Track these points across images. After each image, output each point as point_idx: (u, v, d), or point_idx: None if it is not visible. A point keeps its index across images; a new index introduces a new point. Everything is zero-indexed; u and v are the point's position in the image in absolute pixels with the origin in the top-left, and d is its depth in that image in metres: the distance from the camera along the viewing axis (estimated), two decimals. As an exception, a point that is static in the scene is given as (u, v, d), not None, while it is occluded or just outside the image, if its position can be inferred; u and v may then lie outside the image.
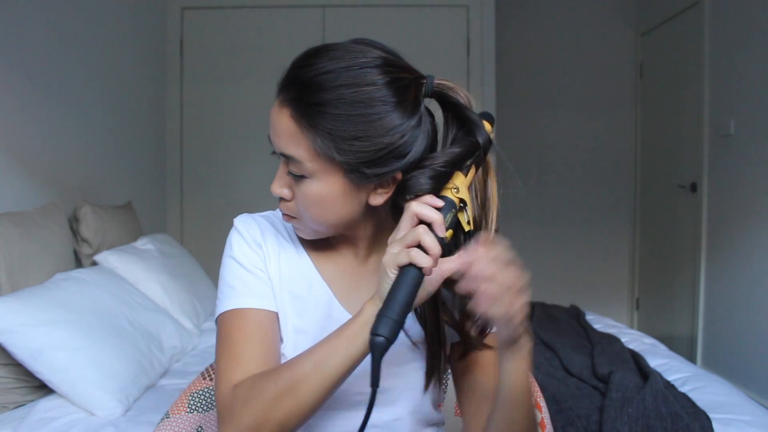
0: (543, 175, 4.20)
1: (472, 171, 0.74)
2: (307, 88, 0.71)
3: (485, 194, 0.77)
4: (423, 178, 0.71)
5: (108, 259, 2.19)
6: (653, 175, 4.09)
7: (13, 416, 1.56)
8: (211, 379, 1.09)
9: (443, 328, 0.81)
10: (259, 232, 0.85)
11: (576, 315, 2.65)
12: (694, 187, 3.46)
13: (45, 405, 1.56)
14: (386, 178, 0.74)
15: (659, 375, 1.79)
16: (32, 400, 1.65)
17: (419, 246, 0.67)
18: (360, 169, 0.72)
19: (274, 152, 0.78)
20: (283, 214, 0.82)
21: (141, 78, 3.20)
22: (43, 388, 1.65)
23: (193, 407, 1.08)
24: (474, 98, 0.76)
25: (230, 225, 0.86)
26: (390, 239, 0.70)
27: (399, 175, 0.74)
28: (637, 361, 1.94)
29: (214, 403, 1.06)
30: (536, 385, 1.08)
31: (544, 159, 4.25)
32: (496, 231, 0.81)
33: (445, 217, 0.70)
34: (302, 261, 0.85)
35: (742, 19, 3.05)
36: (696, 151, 3.42)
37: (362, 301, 0.73)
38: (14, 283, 1.72)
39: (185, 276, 2.52)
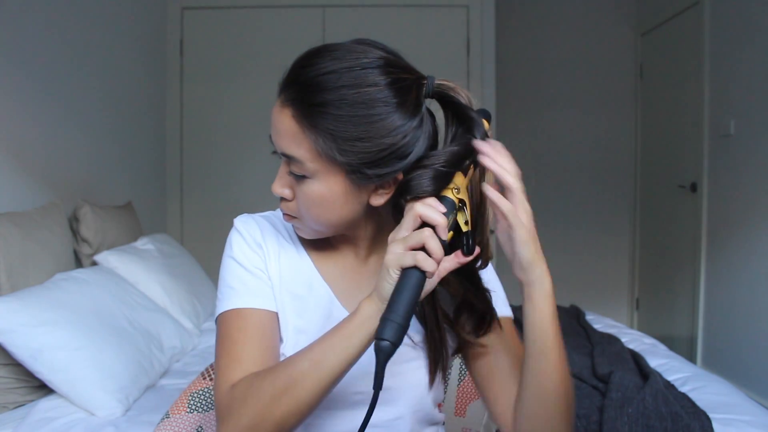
0: (543, 175, 4.20)
1: (471, 170, 0.74)
2: (308, 88, 0.71)
3: (482, 193, 0.77)
4: (425, 180, 0.71)
5: (108, 259, 2.19)
6: (653, 175, 4.09)
7: (13, 416, 1.56)
8: (211, 379, 1.09)
9: (443, 325, 0.81)
10: (259, 232, 0.85)
11: (576, 315, 2.64)
12: (694, 187, 3.46)
13: (45, 405, 1.56)
14: (387, 178, 0.74)
15: (659, 375, 1.79)
16: (32, 400, 1.65)
17: (423, 248, 0.67)
18: (361, 169, 0.72)
19: (275, 152, 0.78)
20: (283, 214, 0.82)
21: (141, 78, 3.20)
22: (43, 388, 1.65)
23: (193, 407, 1.08)
24: (474, 98, 0.76)
25: (230, 225, 0.86)
26: (391, 237, 0.70)
27: (400, 176, 0.74)
28: (637, 361, 1.94)
29: (214, 403, 1.06)
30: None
31: (544, 159, 4.26)
32: (492, 232, 0.81)
33: (447, 219, 0.70)
34: (302, 261, 0.85)
35: (742, 19, 3.05)
36: (696, 151, 3.42)
37: None
38: (14, 283, 1.72)
39: (185, 276, 2.52)
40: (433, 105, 0.77)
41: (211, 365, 1.09)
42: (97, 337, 1.65)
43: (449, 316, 0.82)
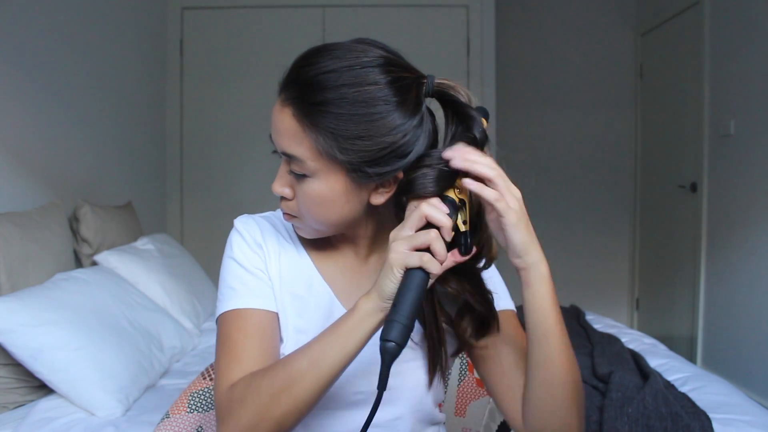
0: (543, 175, 4.20)
1: None
2: (309, 87, 0.71)
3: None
4: (429, 180, 0.71)
5: (108, 259, 2.18)
6: (653, 175, 4.09)
7: (13, 416, 1.56)
8: (211, 379, 1.09)
9: (441, 325, 0.81)
10: (259, 232, 0.85)
11: (576, 315, 2.64)
12: (694, 187, 3.46)
13: (45, 405, 1.56)
14: (388, 177, 0.74)
15: (659, 375, 1.79)
16: (32, 400, 1.65)
17: (427, 249, 0.67)
18: (362, 168, 0.72)
19: (275, 151, 0.78)
20: (284, 214, 0.82)
21: (141, 78, 3.20)
22: (43, 388, 1.65)
23: (193, 407, 1.08)
24: (474, 97, 0.76)
25: (230, 225, 0.86)
26: (393, 235, 0.70)
27: (400, 175, 0.74)
28: (637, 361, 1.94)
29: (214, 403, 1.06)
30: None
31: (544, 159, 4.26)
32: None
33: (452, 220, 0.70)
34: (303, 261, 0.85)
35: (742, 19, 3.05)
36: (696, 151, 3.42)
37: None
38: (14, 283, 1.72)
39: (185, 276, 2.52)
40: (433, 104, 0.77)
41: (211, 365, 1.09)
42: (97, 337, 1.65)
43: (451, 317, 0.82)
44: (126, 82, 2.97)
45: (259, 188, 3.39)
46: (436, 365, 0.82)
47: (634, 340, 2.29)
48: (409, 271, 0.67)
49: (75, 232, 2.24)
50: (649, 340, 2.31)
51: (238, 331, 0.79)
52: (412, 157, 0.72)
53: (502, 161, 0.72)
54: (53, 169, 2.28)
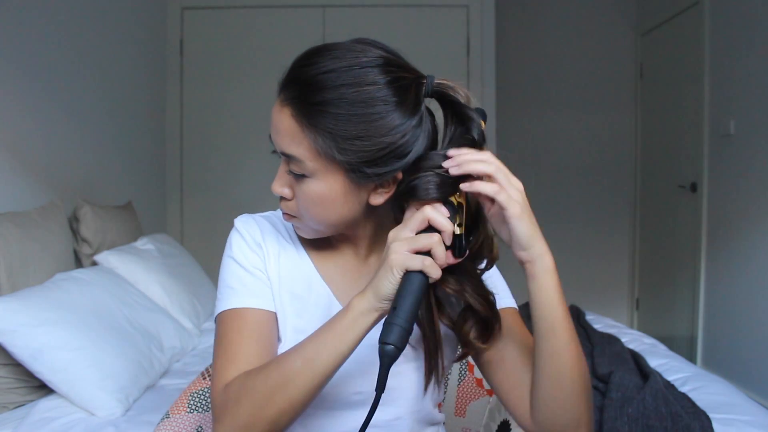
0: (543, 175, 4.20)
1: None
2: (308, 87, 0.71)
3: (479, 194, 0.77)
4: (432, 186, 0.71)
5: (108, 259, 2.19)
6: (653, 175, 4.09)
7: (13, 416, 1.56)
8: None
9: (439, 328, 0.81)
10: (259, 232, 0.85)
11: (576, 315, 2.64)
12: (694, 187, 3.46)
13: (45, 405, 1.57)
14: (387, 177, 0.74)
15: (659, 375, 1.79)
16: (32, 400, 1.65)
17: (427, 252, 0.67)
18: (361, 168, 0.72)
19: (274, 151, 0.78)
20: (283, 213, 0.82)
21: (141, 78, 3.20)
22: (43, 388, 1.65)
23: (193, 407, 1.08)
24: (474, 98, 0.76)
25: (230, 225, 0.86)
26: (392, 236, 0.70)
27: (400, 175, 0.74)
28: (637, 361, 1.94)
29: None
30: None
31: (544, 159, 4.26)
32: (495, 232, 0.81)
33: (453, 225, 0.70)
34: (302, 261, 0.85)
35: (742, 19, 3.05)
36: (696, 151, 3.42)
37: None
38: (14, 283, 1.72)
39: (185, 276, 2.52)
40: (433, 104, 0.77)
41: (211, 365, 1.09)
42: (97, 337, 1.65)
43: (453, 321, 0.82)
44: (126, 82, 2.97)
45: (258, 188, 3.38)
46: (431, 368, 0.82)
47: (634, 340, 2.29)
48: (408, 274, 0.67)
49: (75, 232, 2.24)
50: (649, 340, 2.31)
51: (235, 331, 0.79)
52: (411, 157, 0.72)
53: (502, 161, 0.72)
54: (53, 169, 2.28)
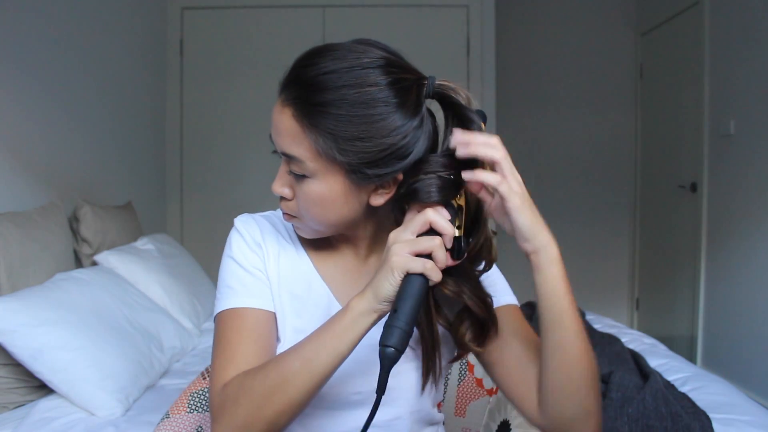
0: (543, 175, 4.20)
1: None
2: (309, 87, 0.71)
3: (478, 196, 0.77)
4: (434, 189, 0.70)
5: (108, 259, 2.19)
6: (653, 175, 4.09)
7: (13, 416, 1.56)
8: (211, 379, 1.09)
9: (436, 329, 0.81)
10: (259, 232, 0.85)
11: (576, 315, 2.64)
12: (694, 187, 3.46)
13: (45, 405, 1.57)
14: (387, 178, 0.74)
15: (659, 375, 1.79)
16: (32, 400, 1.65)
17: (428, 255, 0.67)
18: (361, 169, 0.72)
19: (275, 151, 0.78)
20: (283, 214, 0.82)
21: (141, 78, 3.20)
22: (43, 388, 1.65)
23: (193, 407, 1.08)
24: (474, 98, 0.76)
25: (230, 225, 0.86)
26: (393, 237, 0.70)
27: (400, 176, 0.74)
28: (637, 361, 1.94)
29: (212, 403, 1.06)
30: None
31: (544, 159, 4.26)
32: (495, 233, 0.81)
33: (454, 228, 0.70)
34: (302, 261, 0.85)
35: (742, 19, 3.05)
36: (696, 151, 3.42)
37: None
38: (14, 283, 1.72)
39: (185, 276, 2.52)
40: (434, 105, 0.77)
41: (210, 365, 1.09)
42: (97, 337, 1.65)
43: (449, 321, 0.82)
44: (126, 82, 2.97)
45: (259, 188, 3.39)
46: (429, 369, 0.82)
47: (634, 340, 2.29)
48: (409, 276, 0.67)
49: (75, 232, 2.24)
50: (649, 340, 2.31)
51: (234, 331, 0.79)
52: (412, 158, 0.72)
53: None
54: (53, 169, 2.28)
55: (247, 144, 3.52)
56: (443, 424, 0.95)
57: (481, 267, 0.80)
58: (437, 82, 0.74)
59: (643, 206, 4.24)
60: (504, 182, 0.69)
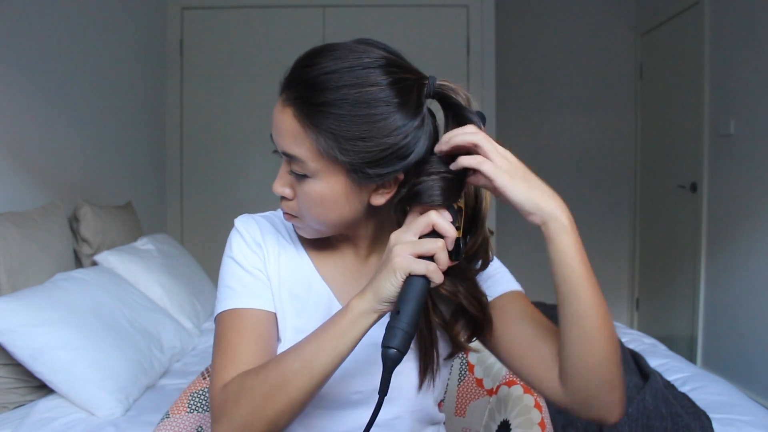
0: (542, 175, 4.14)
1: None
2: (310, 87, 0.71)
3: (478, 197, 0.77)
4: (437, 191, 0.70)
5: (108, 259, 2.19)
6: (653, 175, 4.09)
7: (13, 416, 1.56)
8: (211, 379, 1.09)
9: (434, 329, 0.81)
10: (259, 232, 0.85)
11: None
12: (694, 187, 3.46)
13: (45, 405, 1.57)
14: (388, 178, 0.74)
15: (659, 375, 1.79)
16: (32, 400, 1.65)
17: (430, 257, 0.67)
18: (362, 169, 0.72)
19: (276, 151, 0.78)
20: (284, 213, 0.82)
21: (141, 78, 3.20)
22: (43, 388, 1.65)
23: (193, 407, 1.08)
24: (474, 98, 0.76)
25: (230, 225, 0.87)
26: (395, 238, 0.70)
27: (401, 176, 0.74)
28: (637, 361, 1.94)
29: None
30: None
31: (544, 159, 4.25)
32: (492, 233, 0.81)
33: (455, 230, 0.70)
34: (302, 261, 0.85)
35: (742, 19, 3.05)
36: (696, 151, 3.42)
37: None
38: (14, 283, 1.72)
39: (185, 276, 2.52)
40: (434, 105, 0.77)
41: (211, 365, 1.09)
42: (97, 337, 1.65)
43: (445, 320, 0.82)
44: (126, 83, 2.97)
45: (259, 188, 3.39)
46: (427, 367, 0.82)
47: (634, 340, 2.29)
48: (411, 278, 0.67)
49: (75, 232, 2.24)
50: (649, 340, 2.31)
51: (234, 331, 0.79)
52: (413, 158, 0.72)
53: None
54: (53, 169, 2.28)
55: (247, 144, 3.52)
56: (443, 424, 0.95)
57: (478, 266, 0.80)
58: (438, 82, 0.74)
59: (643, 206, 4.24)
60: (486, 162, 0.68)
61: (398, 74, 0.72)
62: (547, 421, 1.03)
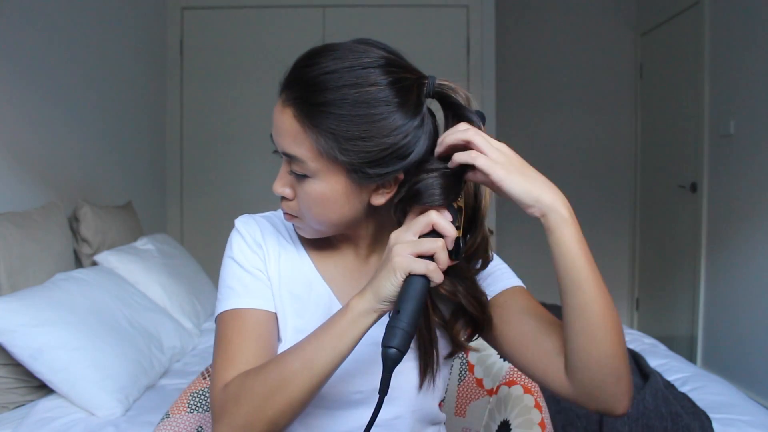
0: (542, 175, 4.19)
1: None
2: (310, 87, 0.71)
3: (477, 197, 0.77)
4: (437, 191, 0.70)
5: (108, 259, 2.19)
6: (653, 175, 4.09)
7: (13, 416, 1.56)
8: (211, 379, 1.09)
9: (434, 328, 0.81)
10: (260, 232, 0.85)
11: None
12: (694, 187, 3.46)
13: (45, 405, 1.57)
14: (388, 178, 0.74)
15: (659, 375, 1.79)
16: (32, 400, 1.65)
17: (430, 257, 0.67)
18: (362, 169, 0.72)
19: (276, 151, 0.78)
20: (284, 213, 0.82)
21: (141, 78, 3.20)
22: (43, 388, 1.65)
23: (193, 407, 1.08)
24: (474, 98, 0.76)
25: (230, 225, 0.86)
26: (395, 238, 0.70)
27: (401, 176, 0.74)
28: (637, 361, 1.94)
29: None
30: (536, 385, 1.08)
31: (544, 159, 4.22)
32: (492, 232, 0.81)
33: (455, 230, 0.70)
34: (302, 261, 0.85)
35: (742, 19, 3.05)
36: (696, 151, 3.42)
37: None
38: (14, 283, 1.72)
39: (185, 276, 2.52)
40: (434, 104, 0.77)
41: (211, 365, 1.09)
42: (97, 337, 1.65)
43: (444, 319, 0.82)
44: (126, 82, 2.97)
45: (259, 188, 3.39)
46: (427, 366, 0.82)
47: (634, 340, 2.29)
48: (411, 277, 0.67)
49: (75, 232, 2.24)
50: (649, 340, 2.31)
51: (234, 331, 0.79)
52: (413, 158, 0.72)
53: None
54: (53, 169, 2.28)
55: (247, 144, 3.52)
56: (443, 424, 0.95)
57: (478, 266, 0.80)
58: (437, 82, 0.74)
59: (643, 206, 4.24)
60: (480, 157, 0.68)
61: (398, 74, 0.72)
62: (547, 421, 1.03)
